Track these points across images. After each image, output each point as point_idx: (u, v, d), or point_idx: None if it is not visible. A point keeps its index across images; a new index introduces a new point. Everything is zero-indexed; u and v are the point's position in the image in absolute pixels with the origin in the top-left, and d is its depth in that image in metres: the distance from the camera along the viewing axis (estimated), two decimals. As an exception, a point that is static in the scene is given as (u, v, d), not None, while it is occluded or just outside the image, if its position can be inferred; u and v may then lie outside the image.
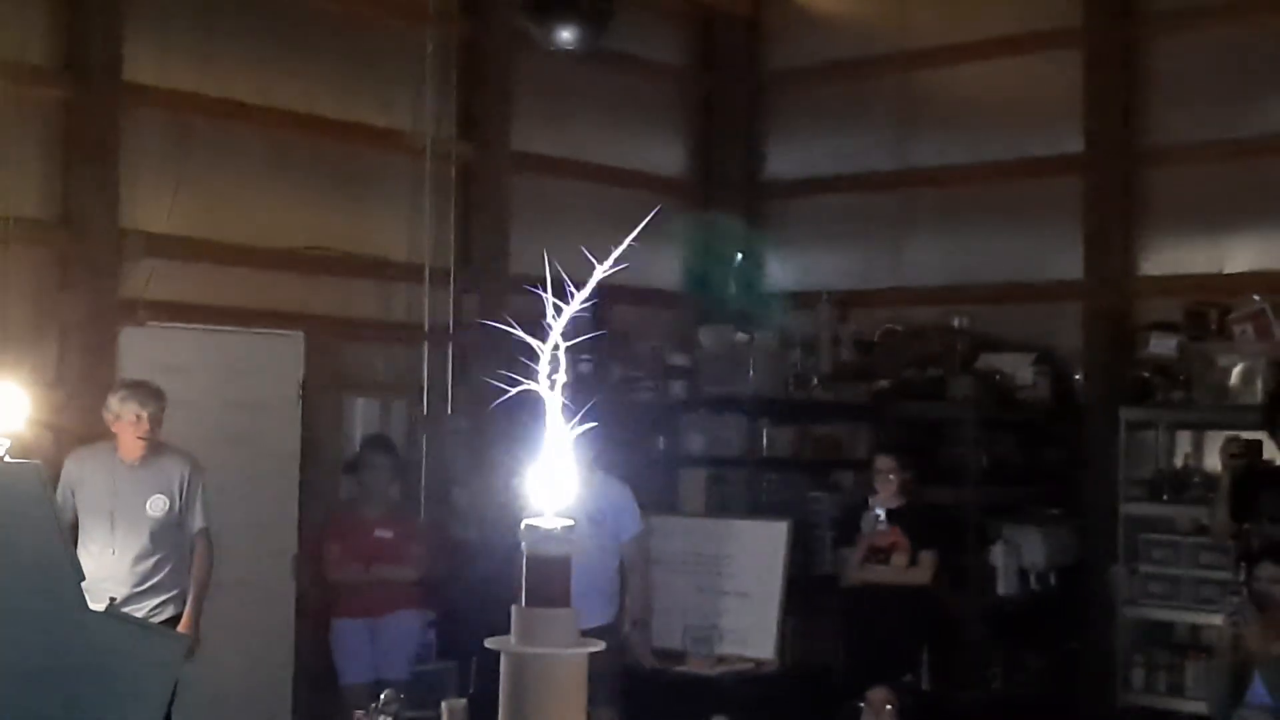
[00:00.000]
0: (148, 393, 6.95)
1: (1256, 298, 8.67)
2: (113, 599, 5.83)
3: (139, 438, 6.87)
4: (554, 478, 2.85)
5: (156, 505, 6.92)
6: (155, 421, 6.91)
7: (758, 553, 8.54)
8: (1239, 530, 7.56)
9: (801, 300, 10.39)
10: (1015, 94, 10.15)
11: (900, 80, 10.65)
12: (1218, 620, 7.77)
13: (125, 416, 6.87)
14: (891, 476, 8.19)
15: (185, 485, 7.01)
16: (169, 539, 6.95)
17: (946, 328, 9.77)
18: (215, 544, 7.16)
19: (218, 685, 7.67)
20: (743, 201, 11.16)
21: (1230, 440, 7.96)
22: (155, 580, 6.89)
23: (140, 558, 6.85)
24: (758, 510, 9.05)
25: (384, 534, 8.11)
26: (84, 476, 6.90)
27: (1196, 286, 9.16)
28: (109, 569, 6.74)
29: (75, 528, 6.82)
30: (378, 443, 8.46)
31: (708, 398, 9.48)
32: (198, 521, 7.05)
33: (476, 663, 7.76)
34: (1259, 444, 7.79)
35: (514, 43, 9.50)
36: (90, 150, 7.93)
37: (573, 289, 2.72)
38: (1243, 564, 7.38)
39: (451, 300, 9.29)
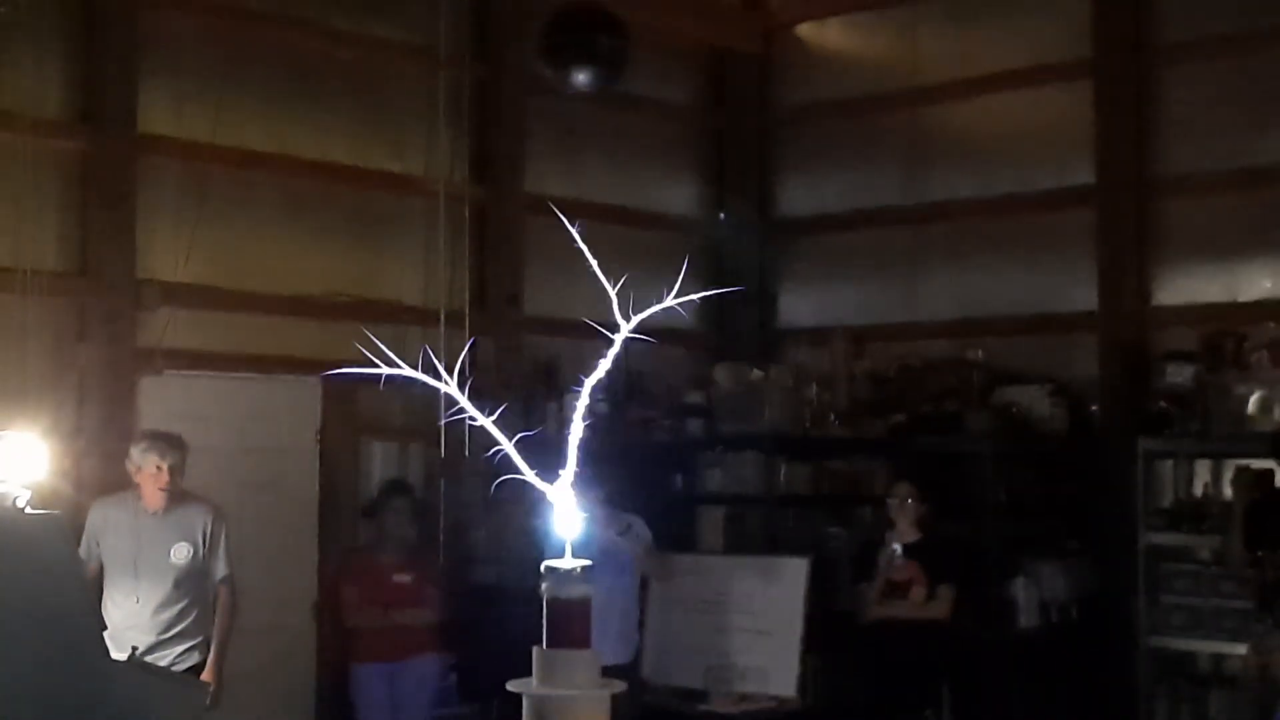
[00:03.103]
0: (168, 444, 6.95)
1: (1272, 325, 8.66)
2: (135, 648, 5.82)
3: (160, 489, 6.88)
4: (569, 518, 2.87)
5: (180, 553, 6.92)
6: (176, 472, 6.91)
7: (778, 590, 8.52)
8: (1254, 559, 7.54)
9: (816, 336, 10.40)
10: (1026, 127, 10.18)
11: (911, 115, 10.68)
12: (1241, 650, 7.74)
13: (146, 468, 6.88)
14: (910, 502, 8.17)
15: (208, 533, 7.01)
16: (193, 587, 6.95)
17: (962, 361, 9.77)
18: (237, 591, 7.16)
19: (240, 732, 7.67)
20: (756, 239, 11.19)
21: (1241, 470, 7.96)
22: (180, 628, 6.88)
23: (164, 605, 6.85)
24: (776, 548, 9.03)
25: (402, 578, 8.09)
26: (108, 525, 6.91)
27: (1212, 316, 9.15)
28: (134, 617, 6.75)
29: (100, 576, 6.83)
30: (396, 486, 8.46)
31: (724, 436, 9.48)
32: (221, 569, 7.05)
33: (498, 706, 7.77)
34: (1270, 473, 7.77)
35: (525, 85, 9.56)
36: (107, 201, 7.99)
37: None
38: (1263, 593, 7.38)
39: (466, 343, 9.31)
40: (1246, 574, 7.63)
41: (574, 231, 3.05)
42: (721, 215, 11.22)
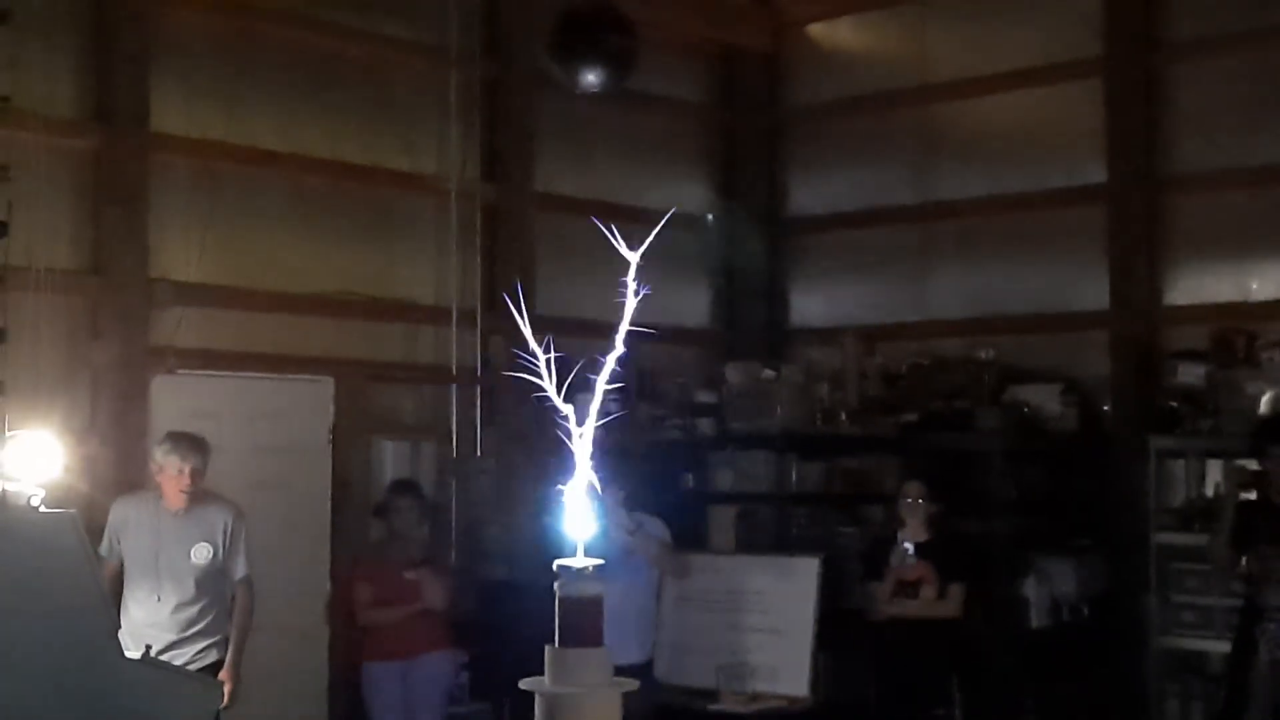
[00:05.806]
0: (191, 446, 6.96)
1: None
2: (149, 646, 5.83)
3: (181, 490, 6.90)
4: (584, 517, 2.88)
5: (200, 553, 6.93)
6: (197, 475, 6.93)
7: (789, 589, 8.52)
8: (1238, 558, 7.57)
9: (827, 335, 10.40)
10: (1037, 125, 10.17)
11: (921, 113, 10.68)
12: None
13: (168, 469, 6.90)
14: (920, 502, 8.15)
15: (229, 533, 7.02)
16: (212, 586, 6.97)
17: (973, 360, 9.76)
18: (254, 591, 7.17)
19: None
20: (766, 237, 11.19)
21: (1232, 470, 7.98)
22: (199, 627, 6.90)
23: (184, 604, 6.87)
24: (787, 546, 9.03)
25: (413, 576, 8.10)
26: (129, 524, 6.93)
27: (1223, 314, 9.14)
28: (154, 615, 6.77)
29: (120, 573, 6.84)
30: (404, 486, 8.44)
31: (735, 434, 9.48)
32: (240, 569, 7.06)
33: (510, 704, 7.77)
34: (1265, 473, 7.77)
35: (536, 83, 9.57)
36: (119, 199, 8.00)
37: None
38: (1249, 590, 7.44)
39: (478, 342, 9.32)
40: (1233, 572, 7.67)
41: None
42: (730, 214, 11.21)
